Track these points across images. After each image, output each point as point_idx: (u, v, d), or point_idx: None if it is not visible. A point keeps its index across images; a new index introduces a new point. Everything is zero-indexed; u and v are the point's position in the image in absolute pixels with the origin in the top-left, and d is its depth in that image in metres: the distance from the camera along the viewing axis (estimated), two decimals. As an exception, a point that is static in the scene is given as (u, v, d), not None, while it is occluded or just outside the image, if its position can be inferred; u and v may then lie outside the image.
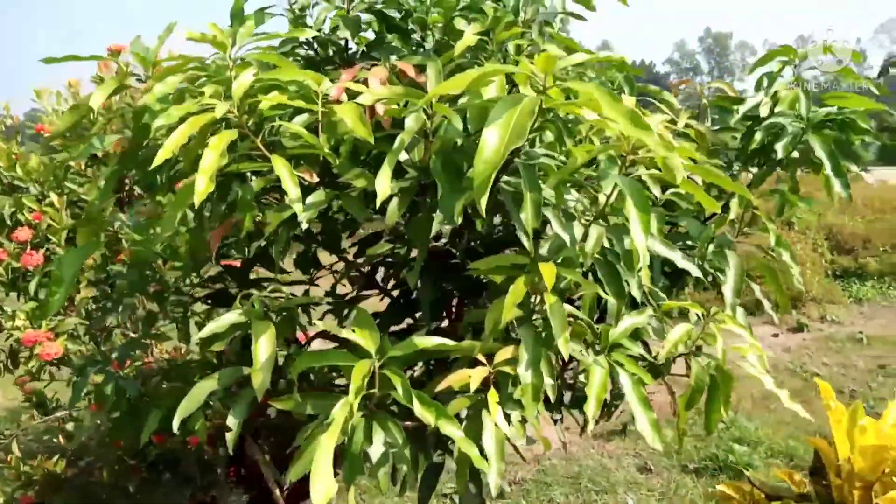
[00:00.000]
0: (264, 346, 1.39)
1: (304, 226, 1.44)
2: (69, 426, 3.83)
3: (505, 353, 1.36)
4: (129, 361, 2.36)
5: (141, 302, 3.05)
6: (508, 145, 1.13)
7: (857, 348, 6.10)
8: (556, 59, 1.19)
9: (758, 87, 1.95)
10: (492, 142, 1.14)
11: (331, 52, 2.04)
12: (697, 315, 1.80)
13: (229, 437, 1.41)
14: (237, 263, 2.24)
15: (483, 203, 1.12)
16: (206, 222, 1.70)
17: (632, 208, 1.29)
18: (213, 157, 1.34)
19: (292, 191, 1.40)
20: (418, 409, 1.26)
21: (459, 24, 1.79)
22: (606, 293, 1.50)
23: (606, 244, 1.47)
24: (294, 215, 1.49)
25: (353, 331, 1.38)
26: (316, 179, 1.50)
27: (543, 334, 1.38)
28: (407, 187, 1.43)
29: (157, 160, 1.34)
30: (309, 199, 1.45)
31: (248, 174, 1.58)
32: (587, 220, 1.48)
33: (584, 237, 1.43)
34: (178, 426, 2.05)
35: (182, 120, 1.42)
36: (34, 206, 3.20)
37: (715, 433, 4.33)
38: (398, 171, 1.50)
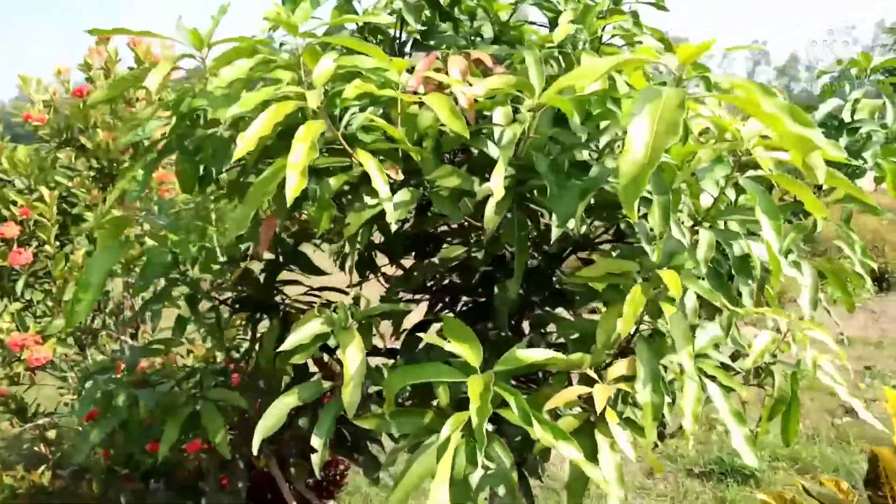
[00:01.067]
0: (354, 357, 1.25)
1: (394, 227, 1.31)
2: (50, 434, 3.61)
3: (619, 368, 1.25)
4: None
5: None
6: (658, 143, 1.02)
7: (841, 349, 6.18)
8: (701, 50, 1.09)
9: (823, 97, 1.93)
10: (640, 139, 1.02)
11: (377, 41, 1.92)
12: (774, 321, 1.74)
13: (315, 458, 1.27)
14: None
15: (634, 207, 1.01)
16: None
17: (762, 214, 1.21)
18: (304, 150, 1.20)
19: (382, 189, 1.28)
20: (538, 430, 1.15)
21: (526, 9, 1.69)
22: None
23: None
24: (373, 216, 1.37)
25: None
26: (401, 177, 1.37)
27: (656, 347, 1.29)
28: (505, 187, 1.32)
29: (240, 152, 1.20)
30: (397, 198, 1.33)
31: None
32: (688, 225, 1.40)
33: (694, 243, 1.34)
34: (179, 435, 1.91)
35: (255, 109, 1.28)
36: (22, 200, 2.97)
37: (716, 437, 4.33)
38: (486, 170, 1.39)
